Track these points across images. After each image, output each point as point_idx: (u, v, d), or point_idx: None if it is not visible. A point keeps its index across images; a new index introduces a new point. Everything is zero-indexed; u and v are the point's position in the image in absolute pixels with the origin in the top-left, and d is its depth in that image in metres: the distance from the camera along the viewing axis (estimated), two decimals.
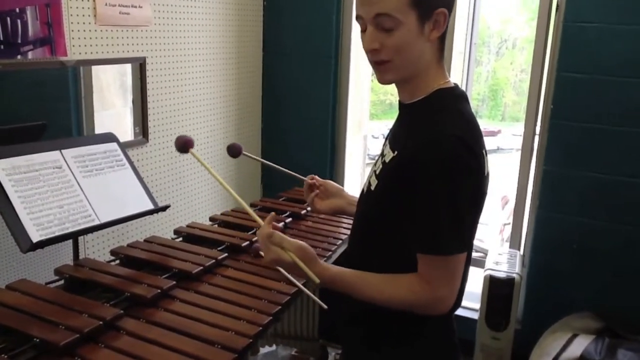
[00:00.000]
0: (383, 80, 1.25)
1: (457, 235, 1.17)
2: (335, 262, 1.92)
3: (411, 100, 1.27)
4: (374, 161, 1.40)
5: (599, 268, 2.68)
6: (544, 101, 2.76)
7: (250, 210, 1.33)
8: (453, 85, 1.28)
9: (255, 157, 1.98)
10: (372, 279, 1.24)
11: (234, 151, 1.85)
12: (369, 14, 1.17)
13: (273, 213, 1.32)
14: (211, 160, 2.96)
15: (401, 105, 1.32)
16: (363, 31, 1.22)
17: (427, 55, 1.22)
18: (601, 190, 2.62)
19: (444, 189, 1.14)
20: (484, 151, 1.23)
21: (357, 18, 1.22)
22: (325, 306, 1.32)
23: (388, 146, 1.31)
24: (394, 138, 1.32)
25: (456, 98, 1.26)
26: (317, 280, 1.21)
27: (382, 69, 1.23)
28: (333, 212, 1.67)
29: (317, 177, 1.67)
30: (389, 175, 1.25)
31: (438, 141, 1.14)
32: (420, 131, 1.20)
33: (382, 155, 1.32)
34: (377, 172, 1.30)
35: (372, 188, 1.31)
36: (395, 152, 1.24)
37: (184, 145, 1.45)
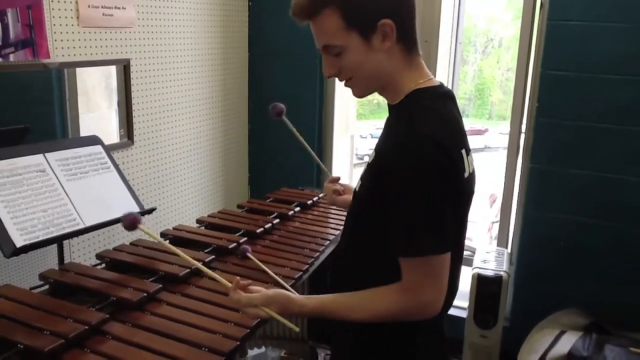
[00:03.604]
0: (355, 95, 1.31)
1: (433, 236, 1.15)
2: (327, 260, 1.93)
3: (393, 103, 1.28)
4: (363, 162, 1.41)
5: (586, 265, 2.70)
6: (529, 99, 2.77)
7: (219, 277, 1.32)
8: (436, 84, 1.27)
9: (293, 130, 1.99)
10: (350, 299, 1.24)
11: (276, 111, 1.88)
12: (318, 45, 1.25)
13: (237, 278, 1.29)
14: (197, 162, 2.95)
15: (388, 106, 1.32)
16: None
17: (388, 64, 1.22)
18: (587, 187, 2.64)
19: (415, 190, 1.13)
20: (463, 150, 1.21)
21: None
22: (297, 329, 1.32)
23: (374, 148, 1.31)
24: (378, 140, 1.32)
25: (433, 97, 1.24)
26: (297, 329, 1.26)
27: (349, 86, 1.28)
28: (346, 205, 1.73)
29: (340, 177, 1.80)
30: (368, 177, 1.26)
31: (408, 143, 1.14)
32: (394, 133, 1.21)
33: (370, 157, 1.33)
34: (362, 173, 1.31)
35: (357, 189, 1.32)
36: (374, 154, 1.25)
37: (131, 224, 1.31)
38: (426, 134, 1.13)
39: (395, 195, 1.15)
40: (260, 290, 1.27)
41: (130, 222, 1.30)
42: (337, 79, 1.28)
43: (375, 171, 1.22)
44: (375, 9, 1.17)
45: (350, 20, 1.18)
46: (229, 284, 1.29)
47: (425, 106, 1.21)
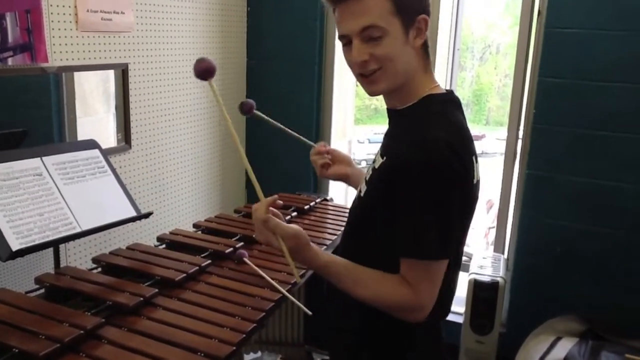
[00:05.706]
0: (373, 91, 1.25)
1: (440, 241, 1.16)
2: None
3: (401, 107, 1.27)
4: (362, 167, 1.41)
5: (582, 271, 2.70)
6: (526, 106, 2.78)
7: (257, 186, 1.30)
8: (445, 91, 1.28)
9: (267, 118, 1.93)
10: (360, 273, 1.24)
11: (246, 108, 1.81)
12: (355, 28, 1.17)
13: (276, 196, 1.29)
14: (194, 167, 2.95)
15: (390, 112, 1.32)
16: (346, 45, 1.22)
17: (413, 62, 1.24)
18: (584, 193, 2.64)
19: (428, 192, 1.14)
20: (473, 157, 1.23)
21: (341, 37, 1.22)
22: (309, 312, 1.32)
23: (379, 153, 1.31)
24: (384, 144, 1.32)
25: (446, 103, 1.26)
26: (299, 279, 1.25)
27: (372, 79, 1.22)
28: (337, 178, 1.67)
29: (326, 144, 1.69)
30: (377, 181, 1.25)
31: (423, 144, 1.14)
32: (407, 136, 1.20)
33: (373, 161, 1.32)
34: (367, 178, 1.31)
35: (362, 194, 1.31)
36: (384, 158, 1.24)
37: (204, 72, 1.28)
38: (440, 137, 1.14)
39: (406, 195, 1.15)
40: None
41: (202, 70, 1.26)
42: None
43: (386, 173, 1.22)
44: (419, 2, 1.19)
45: (399, 6, 1.16)
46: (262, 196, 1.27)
47: (439, 111, 1.22)
